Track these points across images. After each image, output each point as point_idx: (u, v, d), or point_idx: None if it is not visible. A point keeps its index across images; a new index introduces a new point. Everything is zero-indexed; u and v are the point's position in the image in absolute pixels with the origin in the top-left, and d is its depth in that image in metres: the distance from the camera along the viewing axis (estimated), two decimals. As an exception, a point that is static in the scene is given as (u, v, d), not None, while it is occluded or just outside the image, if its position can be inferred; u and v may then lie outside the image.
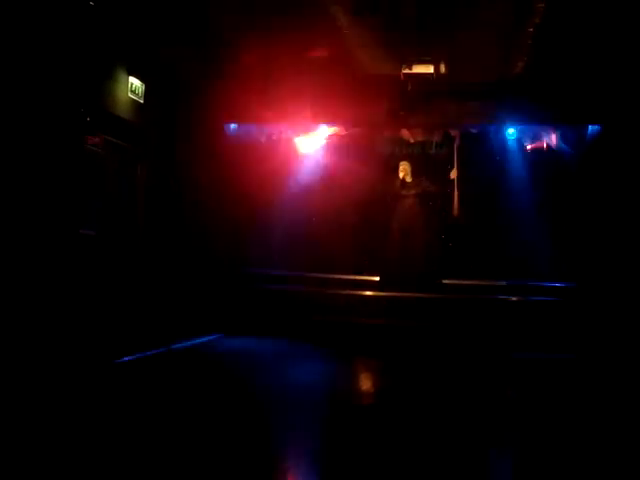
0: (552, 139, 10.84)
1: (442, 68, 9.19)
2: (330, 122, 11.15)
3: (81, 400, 5.31)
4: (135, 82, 8.65)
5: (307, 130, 11.38)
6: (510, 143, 11.18)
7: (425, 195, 10.36)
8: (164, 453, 4.06)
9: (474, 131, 11.20)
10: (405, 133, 11.35)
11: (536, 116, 10.29)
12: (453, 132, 11.06)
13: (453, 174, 10.36)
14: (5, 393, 5.14)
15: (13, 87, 6.14)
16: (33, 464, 3.73)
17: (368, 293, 9.75)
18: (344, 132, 11.21)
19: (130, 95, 8.56)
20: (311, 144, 11.63)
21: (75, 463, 3.78)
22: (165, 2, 7.80)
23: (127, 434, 4.41)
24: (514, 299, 9.35)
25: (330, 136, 11.53)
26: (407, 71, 9.05)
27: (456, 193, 10.26)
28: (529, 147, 11.23)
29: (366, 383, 7.13)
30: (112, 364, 6.84)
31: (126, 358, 7.13)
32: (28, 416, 4.68)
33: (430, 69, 9.07)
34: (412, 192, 10.23)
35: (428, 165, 11.10)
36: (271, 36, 8.44)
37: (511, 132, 11.01)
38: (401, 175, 10.25)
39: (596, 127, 10.26)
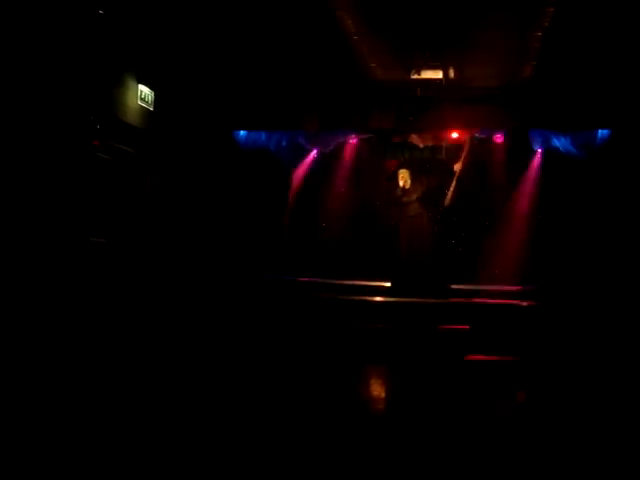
0: (561, 143, 10.80)
1: (451, 73, 9.16)
2: (339, 128, 11.18)
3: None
4: (145, 90, 8.69)
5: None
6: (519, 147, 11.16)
7: (428, 194, 10.25)
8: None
9: (483, 136, 11.21)
10: (414, 138, 11.34)
11: (545, 120, 10.27)
12: (463, 137, 11.05)
13: (457, 166, 10.23)
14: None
15: (21, 96, 6.18)
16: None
17: (378, 299, 9.72)
18: None
19: (140, 103, 8.60)
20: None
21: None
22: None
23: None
24: (525, 304, 9.28)
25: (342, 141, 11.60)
26: (416, 76, 9.04)
27: (454, 184, 10.14)
28: (539, 151, 11.19)
29: (377, 389, 7.10)
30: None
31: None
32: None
33: (439, 74, 9.06)
34: (414, 197, 10.19)
35: (437, 170, 11.07)
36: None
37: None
38: (401, 183, 10.22)
39: (606, 131, 10.24)
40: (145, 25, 8.05)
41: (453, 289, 10.07)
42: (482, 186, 11.24)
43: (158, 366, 7.05)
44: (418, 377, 7.17)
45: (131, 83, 8.41)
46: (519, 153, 11.18)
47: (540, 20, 7.45)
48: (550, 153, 11.05)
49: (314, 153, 12.04)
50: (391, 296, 9.76)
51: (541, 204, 11.00)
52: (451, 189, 10.11)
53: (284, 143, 11.67)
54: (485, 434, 4.99)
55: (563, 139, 10.79)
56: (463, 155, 10.13)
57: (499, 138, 11.20)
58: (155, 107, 8.95)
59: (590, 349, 8.04)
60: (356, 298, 9.70)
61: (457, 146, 11.19)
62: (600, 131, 10.33)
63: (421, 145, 11.44)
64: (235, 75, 9.76)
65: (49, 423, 4.68)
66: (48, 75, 6.54)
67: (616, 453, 4.42)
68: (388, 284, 10.22)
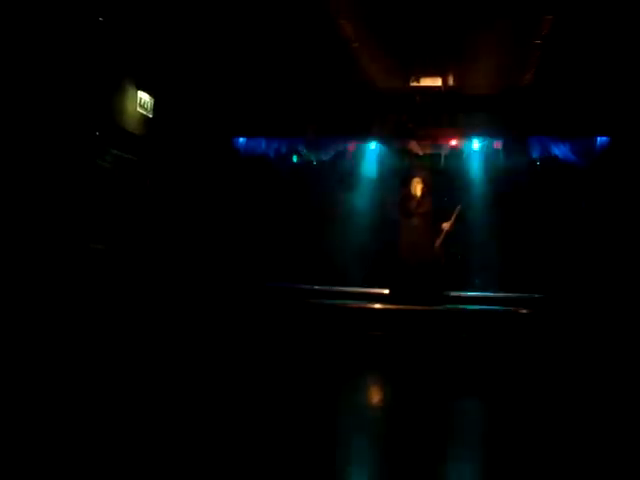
0: (561, 150, 10.79)
1: (450, 80, 9.18)
2: (338, 135, 11.18)
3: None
4: (144, 97, 8.69)
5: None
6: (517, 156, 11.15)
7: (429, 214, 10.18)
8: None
9: (481, 144, 11.22)
10: (414, 146, 11.32)
11: (544, 128, 10.28)
12: (460, 147, 11.08)
13: (445, 226, 9.99)
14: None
15: (20, 103, 6.18)
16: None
17: (377, 306, 9.70)
18: None
19: (139, 109, 8.60)
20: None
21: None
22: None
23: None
24: (524, 311, 9.26)
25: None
26: (415, 84, 9.06)
27: (441, 238, 9.88)
28: (538, 159, 11.18)
29: (376, 396, 7.07)
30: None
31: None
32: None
33: (438, 82, 9.08)
34: (420, 211, 10.11)
35: (437, 178, 11.04)
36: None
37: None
38: (418, 193, 10.04)
39: (605, 139, 10.25)
40: (145, 32, 8.07)
41: (451, 296, 10.06)
42: (481, 193, 11.26)
43: (156, 372, 7.03)
44: (416, 384, 7.15)
45: (130, 90, 8.41)
46: (518, 161, 11.16)
47: (539, 28, 7.48)
48: (549, 161, 11.04)
49: (313, 160, 12.02)
50: (389, 303, 9.74)
51: (540, 212, 10.99)
52: (438, 242, 9.87)
53: (283, 150, 11.67)
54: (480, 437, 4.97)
55: (562, 146, 10.79)
56: (452, 219, 9.85)
57: (498, 145, 11.19)
58: (154, 114, 8.95)
59: (588, 356, 8.03)
60: (355, 306, 9.69)
61: (456, 153, 11.23)
62: (599, 138, 10.33)
63: (420, 152, 11.40)
64: (234, 82, 9.78)
65: (49, 425, 4.67)
66: (47, 82, 6.54)
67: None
68: (386, 291, 10.20)
